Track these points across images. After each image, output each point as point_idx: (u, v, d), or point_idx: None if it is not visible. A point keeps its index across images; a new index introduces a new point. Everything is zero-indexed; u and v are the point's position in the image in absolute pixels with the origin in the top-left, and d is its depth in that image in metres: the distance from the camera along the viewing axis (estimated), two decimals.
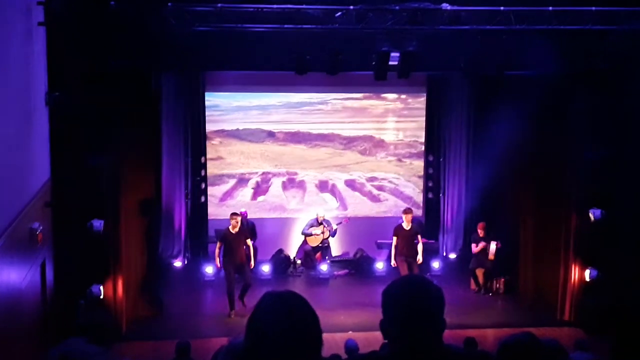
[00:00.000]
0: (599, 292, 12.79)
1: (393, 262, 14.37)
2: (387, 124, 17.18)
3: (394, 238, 14.34)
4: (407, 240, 14.25)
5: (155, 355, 11.06)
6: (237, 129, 16.67)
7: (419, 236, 14.43)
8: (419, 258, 14.29)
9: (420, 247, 14.31)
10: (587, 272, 12.95)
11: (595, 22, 11.16)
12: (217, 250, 13.63)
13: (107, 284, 11.91)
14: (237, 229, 13.45)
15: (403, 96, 17.05)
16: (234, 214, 13.78)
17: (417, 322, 2.82)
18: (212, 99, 16.44)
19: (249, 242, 13.73)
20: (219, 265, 13.63)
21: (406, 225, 14.27)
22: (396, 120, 17.19)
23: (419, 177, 17.32)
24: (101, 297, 11.77)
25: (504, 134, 13.79)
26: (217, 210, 16.52)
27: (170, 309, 13.70)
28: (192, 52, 11.71)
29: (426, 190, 17.33)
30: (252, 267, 13.89)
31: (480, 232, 14.94)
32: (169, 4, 10.75)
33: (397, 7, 11.00)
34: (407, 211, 14.56)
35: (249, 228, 15.40)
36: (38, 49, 10.26)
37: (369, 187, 17.25)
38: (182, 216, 16.19)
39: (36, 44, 10.15)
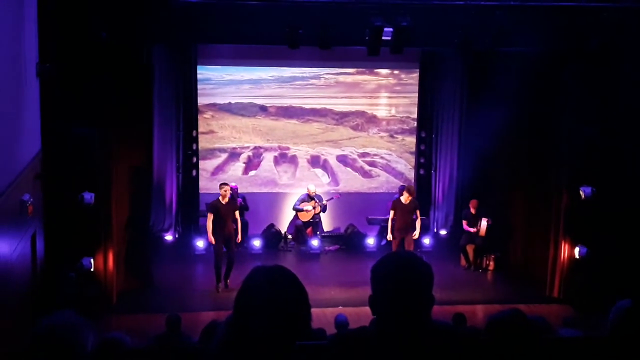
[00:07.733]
0: (588, 270, 12.85)
1: (389, 236, 14.30)
2: (379, 99, 17.13)
3: (391, 212, 14.26)
4: (404, 215, 14.15)
5: (145, 328, 11.07)
6: (229, 103, 16.60)
7: (417, 212, 14.33)
8: (416, 233, 14.22)
9: (418, 223, 14.23)
10: (576, 250, 12.99)
11: None
12: (208, 222, 13.32)
13: (97, 256, 11.90)
14: (226, 199, 13.37)
15: (396, 72, 16.99)
16: (223, 183, 13.68)
17: (406, 298, 2.82)
18: (204, 72, 16.34)
19: (237, 215, 13.64)
20: (211, 237, 13.32)
21: (405, 200, 14.15)
22: (389, 95, 17.14)
23: (411, 153, 17.30)
24: (91, 269, 11.74)
25: (496, 110, 13.78)
26: (208, 184, 16.47)
27: (160, 283, 13.72)
28: (185, 24, 11.60)
29: (418, 166, 17.31)
30: (240, 241, 13.81)
31: (473, 210, 14.98)
32: None
33: None
34: (409, 188, 14.44)
35: (241, 202, 15.42)
36: (29, 19, 10.16)
37: (360, 162, 17.23)
38: (173, 190, 16.15)
39: (27, 14, 10.05)
